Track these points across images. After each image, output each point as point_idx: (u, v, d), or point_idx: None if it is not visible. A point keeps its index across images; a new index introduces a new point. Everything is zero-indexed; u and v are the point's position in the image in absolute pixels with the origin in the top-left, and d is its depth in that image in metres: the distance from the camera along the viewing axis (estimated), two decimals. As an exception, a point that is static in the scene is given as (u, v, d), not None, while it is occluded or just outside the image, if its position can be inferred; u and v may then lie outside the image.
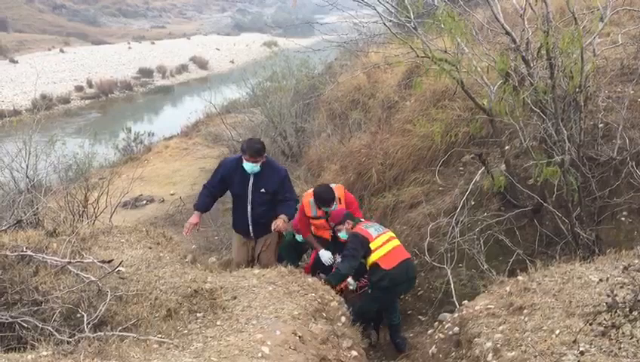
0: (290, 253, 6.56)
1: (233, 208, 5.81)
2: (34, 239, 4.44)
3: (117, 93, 40.15)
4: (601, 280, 3.43)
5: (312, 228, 6.01)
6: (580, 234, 5.01)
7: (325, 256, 5.81)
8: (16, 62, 46.26)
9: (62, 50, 52.51)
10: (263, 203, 5.48)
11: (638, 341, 2.31)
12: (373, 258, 5.09)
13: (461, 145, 7.16)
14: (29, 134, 7.58)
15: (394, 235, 5.41)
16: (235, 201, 5.73)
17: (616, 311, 1.89)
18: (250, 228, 5.64)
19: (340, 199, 5.79)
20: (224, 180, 5.58)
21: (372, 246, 5.11)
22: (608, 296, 1.91)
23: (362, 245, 5.13)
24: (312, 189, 6.04)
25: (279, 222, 5.37)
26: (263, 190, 5.44)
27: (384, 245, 5.15)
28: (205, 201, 5.63)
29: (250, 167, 5.35)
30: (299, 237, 6.37)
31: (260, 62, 19.02)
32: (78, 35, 60.45)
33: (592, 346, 2.76)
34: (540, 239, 5.68)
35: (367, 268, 5.21)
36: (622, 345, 2.41)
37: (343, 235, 5.45)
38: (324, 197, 5.69)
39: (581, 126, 5.09)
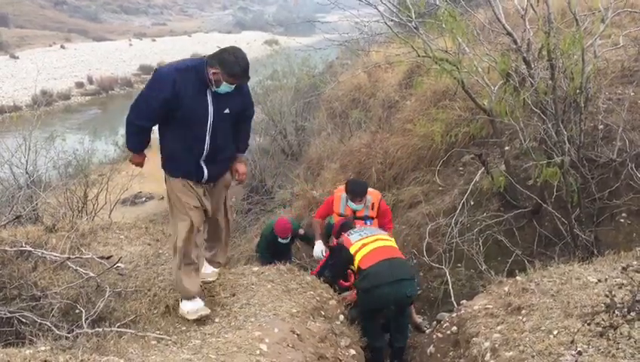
0: (265, 251, 6.44)
1: (176, 140, 3.79)
2: (33, 234, 4.46)
3: (117, 90, 40.15)
4: (599, 280, 3.44)
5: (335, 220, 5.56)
6: (579, 236, 5.02)
7: (317, 249, 5.49)
8: (17, 57, 46.23)
9: (63, 47, 52.50)
10: (225, 129, 3.86)
11: (635, 341, 2.31)
12: (356, 262, 4.60)
13: (461, 145, 7.16)
14: (29, 130, 7.60)
15: (385, 237, 4.84)
16: (181, 129, 3.75)
17: (614, 312, 1.90)
18: (205, 168, 3.83)
19: (373, 205, 5.38)
20: (170, 102, 3.61)
21: (352, 250, 4.64)
22: (607, 296, 1.91)
23: (342, 255, 4.77)
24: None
25: (242, 169, 4.12)
26: (227, 110, 3.78)
27: (365, 247, 4.63)
28: (141, 141, 3.85)
29: (225, 88, 3.69)
30: (284, 241, 6.24)
31: (260, 60, 19.01)
32: (79, 31, 60.42)
33: (590, 347, 2.77)
34: (539, 240, 5.69)
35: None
36: (619, 346, 2.41)
37: None
38: (354, 189, 5.31)
39: (581, 127, 5.09)
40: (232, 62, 3.61)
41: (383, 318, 4.80)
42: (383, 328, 4.86)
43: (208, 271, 4.27)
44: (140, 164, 3.97)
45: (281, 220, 6.45)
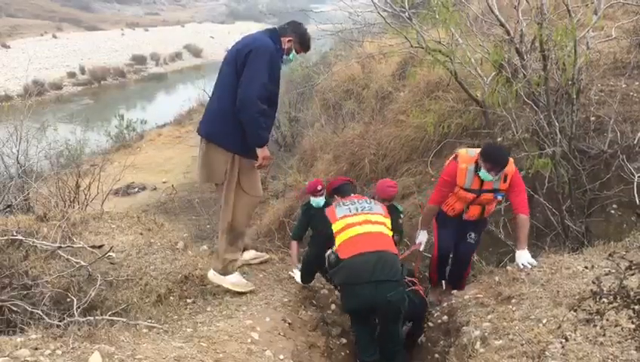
0: (299, 224, 4.96)
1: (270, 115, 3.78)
2: (24, 223, 4.44)
3: (110, 80, 39.92)
4: (586, 267, 3.48)
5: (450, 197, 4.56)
6: (570, 226, 5.05)
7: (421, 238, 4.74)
8: (9, 47, 45.77)
9: (54, 36, 52.00)
10: None
11: (622, 329, 2.33)
12: (335, 245, 3.71)
13: (454, 136, 7.17)
14: (20, 120, 7.54)
15: (378, 219, 3.80)
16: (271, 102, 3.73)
17: (600, 298, 1.92)
18: None
19: (505, 176, 4.27)
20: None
21: (334, 228, 3.75)
22: (594, 282, 1.93)
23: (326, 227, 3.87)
24: (469, 150, 4.45)
25: None
26: None
27: (349, 228, 3.69)
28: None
29: (291, 57, 3.88)
30: (315, 202, 4.74)
31: (254, 51, 18.86)
32: (71, 20, 59.87)
33: (578, 334, 2.80)
34: (530, 230, 5.71)
35: None
36: (606, 333, 2.44)
37: None
38: (497, 159, 4.15)
39: (573, 119, 5.11)
40: (305, 32, 3.75)
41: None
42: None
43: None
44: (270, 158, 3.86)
45: (311, 181, 5.19)
